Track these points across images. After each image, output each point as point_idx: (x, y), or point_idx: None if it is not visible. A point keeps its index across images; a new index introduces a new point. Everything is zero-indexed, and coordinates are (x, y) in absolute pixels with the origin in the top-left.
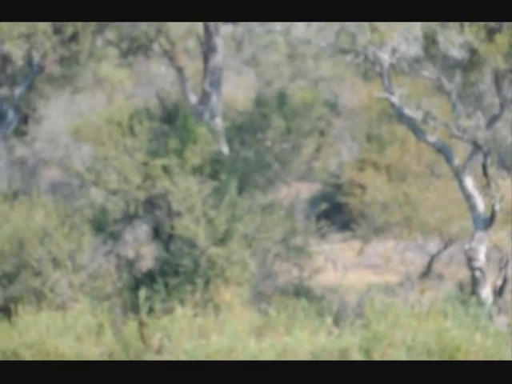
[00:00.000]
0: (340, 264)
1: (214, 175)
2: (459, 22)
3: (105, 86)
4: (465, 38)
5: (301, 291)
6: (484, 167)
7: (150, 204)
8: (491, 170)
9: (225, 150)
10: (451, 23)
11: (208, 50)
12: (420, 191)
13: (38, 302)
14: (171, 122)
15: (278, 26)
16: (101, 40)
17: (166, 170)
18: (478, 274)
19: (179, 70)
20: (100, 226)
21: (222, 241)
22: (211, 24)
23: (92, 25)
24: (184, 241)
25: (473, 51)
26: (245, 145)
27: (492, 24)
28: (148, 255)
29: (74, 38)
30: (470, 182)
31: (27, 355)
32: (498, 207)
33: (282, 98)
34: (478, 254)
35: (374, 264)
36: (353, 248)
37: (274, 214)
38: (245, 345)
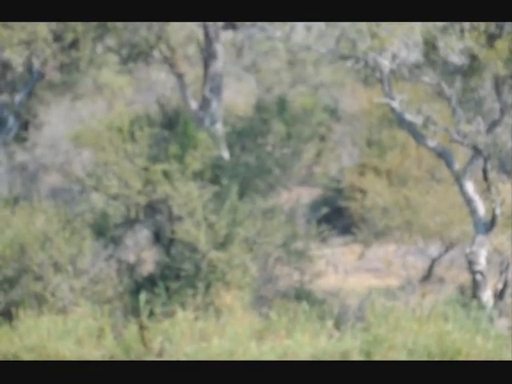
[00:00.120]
0: (341, 268)
1: (214, 180)
2: (459, 28)
3: (105, 93)
4: (465, 43)
5: (302, 295)
6: (484, 172)
7: (151, 209)
8: (491, 175)
9: (225, 155)
10: (451, 29)
11: (208, 56)
12: (420, 195)
13: (39, 306)
14: (172, 127)
15: (278, 32)
16: (101, 47)
17: (166, 175)
18: (478, 277)
19: (179, 76)
20: (101, 230)
21: (223, 245)
22: (211, 30)
23: (92, 31)
24: (185, 245)
25: (473, 57)
26: (245, 150)
27: (492, 30)
28: (149, 259)
29: (74, 44)
30: (470, 187)
31: (28, 359)
32: (498, 211)
33: (282, 104)
34: (478, 257)
35: (375, 268)
36: (354, 252)
37: (275, 218)
38: (246, 348)
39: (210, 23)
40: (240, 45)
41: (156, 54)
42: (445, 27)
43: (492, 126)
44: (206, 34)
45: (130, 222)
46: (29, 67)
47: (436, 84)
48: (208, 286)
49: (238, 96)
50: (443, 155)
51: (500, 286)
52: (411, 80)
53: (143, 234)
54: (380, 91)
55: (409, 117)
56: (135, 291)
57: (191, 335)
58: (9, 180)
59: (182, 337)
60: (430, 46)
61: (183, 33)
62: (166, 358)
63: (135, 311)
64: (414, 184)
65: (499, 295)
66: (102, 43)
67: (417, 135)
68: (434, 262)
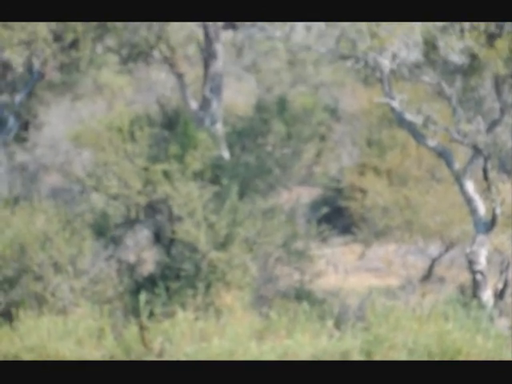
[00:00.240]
0: (341, 267)
1: (214, 180)
2: (459, 28)
3: (105, 93)
4: (465, 43)
5: (302, 295)
6: (484, 171)
7: (151, 209)
8: (492, 174)
9: (225, 155)
10: (451, 29)
11: (208, 56)
12: (421, 195)
13: (39, 307)
14: (172, 127)
15: (278, 32)
16: (101, 47)
17: (166, 175)
18: (479, 277)
19: (179, 76)
20: (101, 230)
21: (223, 245)
22: (211, 30)
23: (92, 31)
24: (185, 245)
25: (473, 56)
26: (245, 150)
27: (492, 29)
28: (149, 260)
29: (74, 44)
30: (470, 186)
31: (28, 359)
32: (498, 211)
33: (282, 104)
34: (478, 257)
35: (375, 267)
36: (354, 252)
37: (275, 218)
38: (246, 348)
39: (210, 23)
40: (240, 45)
41: (156, 53)
42: (445, 27)
43: (492, 126)
44: (206, 34)
45: (130, 222)
46: (29, 67)
47: (436, 84)
48: (208, 286)
49: (238, 96)
50: (443, 155)
51: (500, 286)
52: (411, 80)
53: (143, 234)
54: (380, 91)
55: (409, 116)
56: (135, 291)
57: (191, 335)
58: (9, 180)
59: (183, 337)
60: (430, 46)
61: (183, 33)
62: (166, 358)
63: (135, 311)
64: (414, 184)
65: (499, 295)
66: (101, 43)
67: (417, 135)
68: (434, 262)
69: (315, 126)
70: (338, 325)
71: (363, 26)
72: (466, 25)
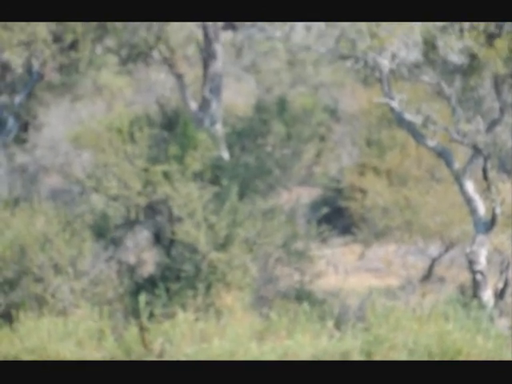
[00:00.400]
0: (341, 268)
1: (214, 181)
2: (459, 27)
3: (104, 94)
4: (464, 43)
5: (302, 295)
6: (484, 171)
7: (151, 210)
8: (491, 174)
9: (225, 155)
10: (450, 29)
11: (208, 56)
12: (420, 195)
13: (39, 308)
14: (171, 128)
15: (278, 32)
16: (100, 48)
17: (166, 175)
18: (479, 277)
19: (179, 76)
20: (101, 231)
21: (223, 246)
22: (211, 31)
23: (91, 32)
24: (185, 246)
25: (472, 56)
26: (245, 150)
27: (491, 29)
28: (149, 261)
29: (73, 45)
30: (470, 186)
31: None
32: (498, 210)
33: (282, 104)
34: (478, 257)
35: (375, 268)
36: (354, 252)
37: (275, 218)
38: (246, 349)
39: (210, 24)
40: (240, 45)
41: (155, 54)
42: (444, 27)
43: (492, 125)
44: (206, 35)
45: (130, 223)
46: (28, 68)
47: (435, 83)
48: (208, 287)
49: (238, 96)
50: (443, 155)
51: (500, 286)
52: (411, 80)
53: (143, 235)
54: (379, 91)
55: (408, 116)
56: (135, 292)
57: (192, 336)
58: (9, 181)
59: (183, 338)
60: (429, 46)
61: (183, 33)
62: (166, 359)
63: (136, 312)
64: (414, 184)
65: (500, 295)
66: (101, 44)
67: (416, 135)
68: (434, 262)
69: (315, 126)
70: (338, 325)
71: (363, 26)
72: (466, 25)
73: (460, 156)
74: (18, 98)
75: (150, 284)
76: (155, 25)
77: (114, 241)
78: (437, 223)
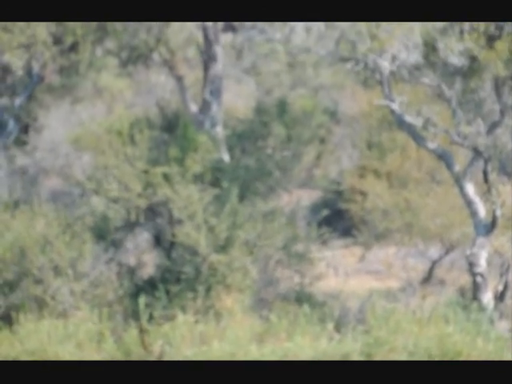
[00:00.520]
0: (341, 270)
1: (215, 183)
2: (459, 29)
3: (105, 96)
4: (465, 45)
5: (302, 297)
6: (485, 173)
7: (151, 212)
8: (492, 176)
9: (226, 158)
10: (451, 31)
11: (208, 58)
12: (421, 197)
13: (39, 310)
14: (172, 130)
15: (278, 34)
16: (100, 50)
17: (166, 178)
18: (479, 279)
19: (179, 79)
20: (101, 233)
21: (224, 248)
22: (211, 33)
23: (92, 34)
24: (185, 248)
25: (473, 58)
26: (245, 153)
27: (492, 31)
28: (149, 263)
29: (73, 47)
30: (470, 188)
31: None
32: (499, 213)
33: (282, 106)
34: (479, 259)
35: (376, 270)
36: (354, 254)
37: (276, 220)
38: (246, 351)
39: (210, 25)
40: (240, 47)
41: (155, 56)
42: (444, 28)
43: (492, 128)
44: (206, 37)
45: (130, 225)
46: (28, 70)
47: (436, 85)
48: (208, 289)
49: (238, 99)
50: (443, 157)
51: (500, 288)
52: (411, 82)
53: (143, 237)
54: (380, 93)
55: (409, 119)
56: (135, 294)
57: (191, 338)
58: (9, 184)
59: (183, 340)
60: (429, 48)
61: (183, 35)
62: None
63: (135, 315)
64: (415, 186)
65: (500, 297)
66: (101, 46)
67: (417, 137)
68: (434, 264)
69: (315, 128)
70: (338, 327)
71: (363, 27)
72: (466, 26)
73: (460, 158)
74: (18, 100)
75: (150, 286)
76: (155, 27)
77: (114, 243)
78: (437, 225)
